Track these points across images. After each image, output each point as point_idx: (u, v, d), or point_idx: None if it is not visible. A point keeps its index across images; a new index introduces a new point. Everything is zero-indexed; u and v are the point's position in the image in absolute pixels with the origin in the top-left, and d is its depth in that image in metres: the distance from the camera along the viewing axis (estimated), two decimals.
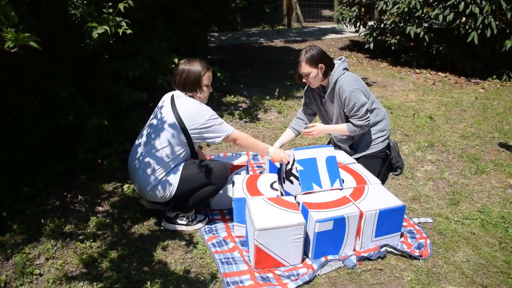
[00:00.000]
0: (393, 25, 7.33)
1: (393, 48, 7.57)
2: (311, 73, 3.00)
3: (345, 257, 2.50)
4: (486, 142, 4.34)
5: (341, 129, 3.16)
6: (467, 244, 2.70)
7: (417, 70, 7.41)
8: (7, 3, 1.10)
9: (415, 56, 7.58)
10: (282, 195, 2.81)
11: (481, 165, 3.79)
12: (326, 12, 14.07)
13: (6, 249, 2.58)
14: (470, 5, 6.17)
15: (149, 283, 2.32)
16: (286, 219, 2.38)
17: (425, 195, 3.31)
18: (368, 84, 6.40)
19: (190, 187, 2.69)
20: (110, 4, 3.20)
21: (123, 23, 3.21)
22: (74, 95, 3.52)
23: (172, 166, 2.66)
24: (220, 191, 2.86)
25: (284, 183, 2.93)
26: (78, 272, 2.43)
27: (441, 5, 6.70)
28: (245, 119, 4.86)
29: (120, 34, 3.20)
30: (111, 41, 3.50)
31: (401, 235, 2.71)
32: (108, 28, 3.07)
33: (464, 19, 6.38)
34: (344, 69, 3.10)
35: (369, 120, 3.08)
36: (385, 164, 3.43)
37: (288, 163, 2.85)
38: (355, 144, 3.36)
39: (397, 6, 6.94)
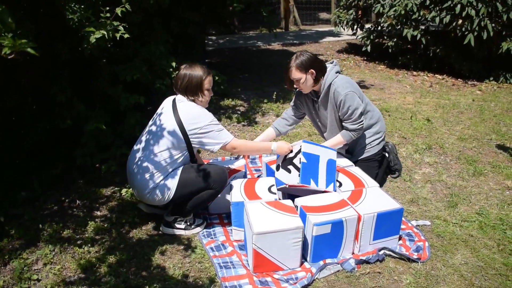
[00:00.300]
0: (390, 28, 7.34)
1: (390, 50, 7.59)
2: (301, 79, 2.99)
3: (343, 261, 2.50)
4: (484, 144, 4.35)
5: (337, 141, 3.12)
6: (465, 247, 2.70)
7: (415, 73, 7.43)
8: (4, 10, 1.10)
9: (412, 59, 7.59)
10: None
11: (478, 167, 3.80)
12: (323, 15, 14.09)
13: (4, 254, 2.57)
14: (467, 8, 6.19)
15: None
16: (284, 222, 2.38)
17: (423, 197, 3.31)
18: (366, 87, 6.41)
19: (189, 191, 2.69)
20: (108, 8, 3.20)
21: (121, 27, 3.21)
22: (71, 98, 3.52)
23: (170, 170, 2.66)
24: (219, 195, 2.86)
25: (277, 170, 2.89)
26: (76, 277, 2.42)
27: (437, 8, 6.73)
28: (243, 123, 4.86)
29: (118, 38, 3.20)
30: (109, 45, 3.50)
31: (400, 238, 2.71)
32: (105, 33, 3.07)
33: (460, 21, 6.40)
34: (336, 72, 3.09)
35: (362, 123, 3.07)
36: (382, 167, 3.43)
37: (291, 151, 2.84)
38: (351, 148, 3.36)
39: (394, 8, 6.96)
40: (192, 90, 2.72)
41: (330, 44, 10.07)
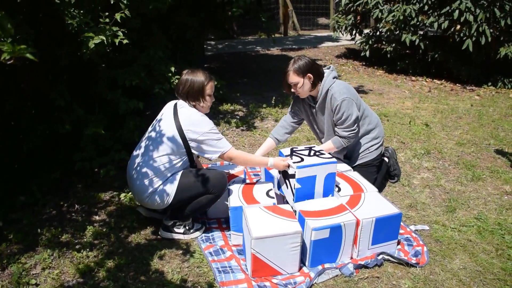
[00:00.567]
0: (388, 33, 7.37)
1: (389, 55, 7.61)
2: (298, 83, 3.00)
3: (342, 265, 2.50)
4: (482, 149, 4.36)
5: (327, 147, 3.13)
6: (464, 252, 2.70)
7: (413, 78, 7.45)
8: (4, 16, 1.10)
9: (411, 64, 7.62)
10: (279, 201, 2.81)
11: (477, 172, 3.80)
12: (322, 20, 14.14)
13: (2, 259, 2.56)
14: (465, 13, 6.22)
15: None
16: (283, 227, 2.38)
17: (421, 202, 3.31)
18: (364, 92, 6.43)
19: (188, 195, 2.69)
20: (107, 14, 3.21)
21: (120, 33, 3.22)
22: (70, 103, 3.53)
23: (170, 175, 2.67)
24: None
25: (282, 185, 2.93)
26: (75, 282, 2.42)
27: (436, 13, 6.76)
28: (241, 128, 4.87)
29: (117, 43, 3.21)
30: (108, 50, 3.51)
31: (398, 243, 2.71)
32: (104, 38, 3.08)
33: (458, 26, 6.43)
34: (334, 77, 3.10)
35: (355, 132, 3.07)
36: (381, 172, 3.43)
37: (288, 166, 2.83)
38: (349, 153, 3.36)
39: (393, 14, 6.99)
40: (193, 95, 2.73)
41: (328, 49, 10.10)
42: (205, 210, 2.99)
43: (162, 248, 2.72)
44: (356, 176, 3.06)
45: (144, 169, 2.64)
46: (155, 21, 4.48)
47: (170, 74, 4.06)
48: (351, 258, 2.59)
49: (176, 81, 4.02)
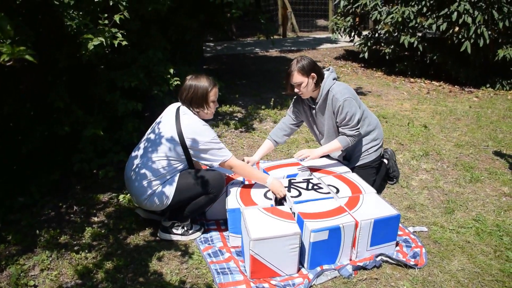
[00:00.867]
0: (387, 35, 7.38)
1: (387, 57, 7.62)
2: (303, 83, 2.97)
3: (340, 267, 2.50)
4: (480, 150, 4.36)
5: (334, 146, 3.11)
6: (462, 253, 2.71)
7: (412, 79, 7.46)
8: (3, 17, 1.11)
9: (410, 65, 7.63)
10: (279, 204, 2.81)
11: (475, 173, 3.81)
12: (321, 22, 14.16)
13: (1, 260, 2.56)
14: (463, 15, 6.23)
15: None
16: (282, 229, 2.38)
17: (420, 203, 3.32)
18: (363, 94, 6.44)
19: (187, 196, 2.69)
20: (106, 15, 3.22)
21: (119, 34, 3.22)
22: (69, 104, 3.53)
23: (168, 177, 2.67)
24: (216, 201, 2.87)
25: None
26: (73, 283, 2.42)
27: (434, 15, 6.78)
28: (240, 129, 4.87)
29: (116, 45, 3.22)
30: (107, 51, 3.51)
31: (397, 244, 2.71)
32: (103, 40, 3.08)
33: (457, 28, 6.45)
34: (333, 79, 3.10)
35: (359, 130, 3.08)
36: (379, 173, 3.44)
37: (284, 197, 2.84)
38: (348, 154, 3.36)
39: (391, 16, 7.00)
40: (197, 101, 2.72)
41: (327, 50, 10.12)
42: (204, 211, 2.99)
43: (160, 249, 2.72)
44: (354, 177, 3.07)
45: (143, 171, 2.64)
46: (154, 22, 4.48)
47: (169, 76, 4.06)
48: (350, 259, 2.59)
49: (175, 82, 4.02)
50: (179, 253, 2.69)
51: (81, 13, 3.27)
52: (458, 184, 3.65)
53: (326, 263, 2.52)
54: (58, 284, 2.40)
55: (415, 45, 6.96)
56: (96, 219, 3.07)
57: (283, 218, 2.49)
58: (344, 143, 3.08)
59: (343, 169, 3.19)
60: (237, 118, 5.23)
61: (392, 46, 7.45)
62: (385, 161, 3.54)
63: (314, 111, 3.20)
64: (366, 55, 7.92)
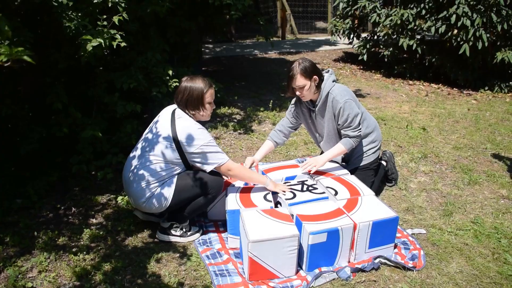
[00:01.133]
0: (386, 37, 7.40)
1: (386, 59, 7.64)
2: (305, 85, 2.95)
3: (339, 269, 2.50)
4: (479, 153, 4.37)
5: (339, 151, 3.07)
6: (460, 255, 2.71)
7: (410, 82, 7.47)
8: (1, 18, 1.10)
9: (408, 68, 7.65)
10: (275, 206, 2.81)
11: (474, 176, 3.81)
12: (320, 24, 14.18)
13: None
14: (462, 18, 6.25)
15: None
16: (280, 231, 2.38)
17: (418, 206, 3.32)
18: (362, 96, 6.44)
19: (185, 197, 2.69)
20: (105, 17, 3.22)
21: (118, 36, 3.22)
22: (68, 106, 3.53)
23: (167, 178, 2.66)
24: (216, 202, 2.87)
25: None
26: (71, 285, 2.41)
27: (433, 18, 6.79)
28: (239, 131, 4.87)
29: (115, 46, 3.21)
30: (106, 53, 3.51)
31: (395, 246, 2.71)
32: (102, 41, 3.08)
33: (456, 31, 6.47)
34: (333, 81, 3.10)
35: (361, 130, 3.08)
36: (378, 175, 3.44)
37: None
38: (346, 156, 3.36)
39: (390, 18, 7.02)
40: (193, 103, 2.69)
41: (326, 53, 10.13)
42: (203, 211, 2.99)
43: (159, 251, 2.72)
44: (353, 179, 3.07)
45: (141, 172, 2.63)
46: (153, 24, 4.49)
47: (167, 77, 4.06)
48: (348, 261, 2.59)
49: (174, 84, 4.02)
50: (178, 254, 2.69)
51: (79, 14, 3.28)
52: (457, 186, 3.65)
53: (325, 265, 2.52)
54: (56, 285, 2.40)
55: (414, 48, 6.98)
56: (94, 220, 3.06)
57: (282, 220, 2.49)
58: (348, 145, 3.06)
59: (342, 171, 3.19)
60: (235, 120, 5.23)
61: (391, 49, 7.47)
62: (384, 163, 3.54)
63: (313, 113, 3.19)
64: (365, 57, 7.94)
